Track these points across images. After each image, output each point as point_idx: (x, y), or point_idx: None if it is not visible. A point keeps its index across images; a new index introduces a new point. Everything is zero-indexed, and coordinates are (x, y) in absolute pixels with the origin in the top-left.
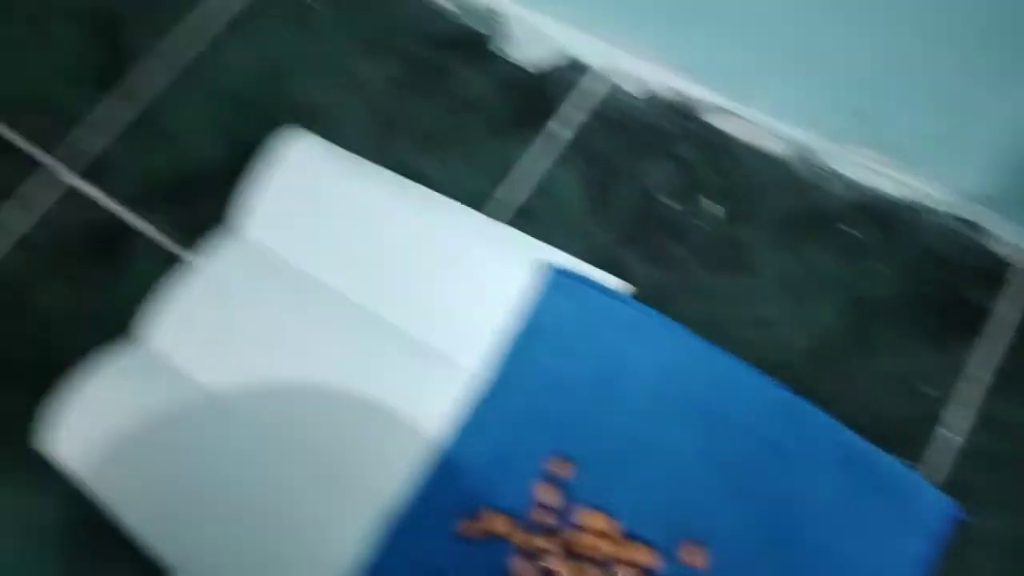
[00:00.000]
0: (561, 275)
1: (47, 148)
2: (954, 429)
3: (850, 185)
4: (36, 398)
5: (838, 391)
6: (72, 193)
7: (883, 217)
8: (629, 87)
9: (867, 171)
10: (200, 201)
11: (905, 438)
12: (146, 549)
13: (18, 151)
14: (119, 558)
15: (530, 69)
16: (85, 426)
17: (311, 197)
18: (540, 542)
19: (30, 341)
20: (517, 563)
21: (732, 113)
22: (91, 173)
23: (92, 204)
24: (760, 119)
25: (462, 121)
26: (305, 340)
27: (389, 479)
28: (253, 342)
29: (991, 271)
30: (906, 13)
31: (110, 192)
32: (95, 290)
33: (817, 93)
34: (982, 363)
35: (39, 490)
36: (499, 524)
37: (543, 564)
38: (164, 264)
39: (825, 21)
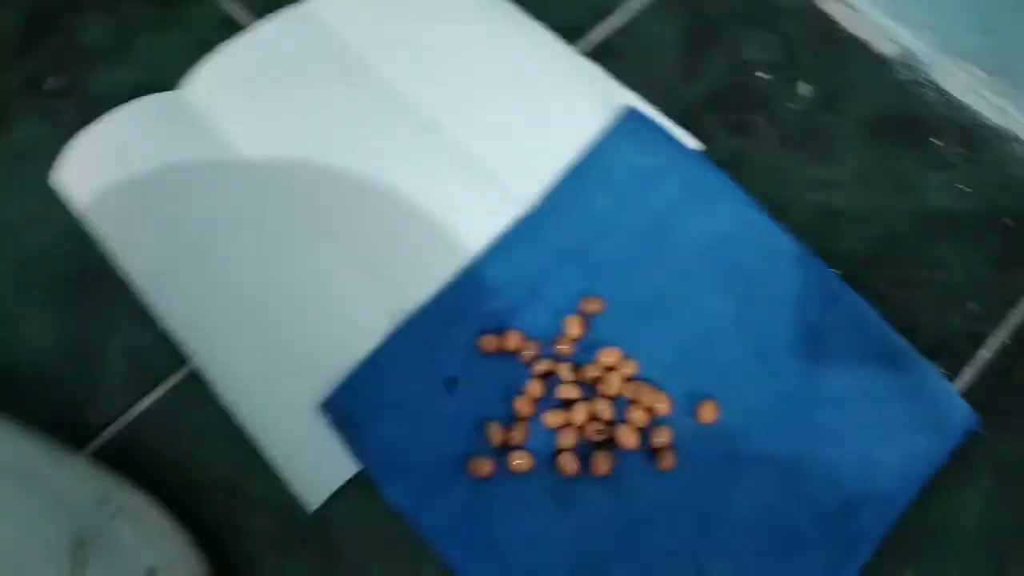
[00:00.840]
0: (633, 118)
1: None
2: (990, 349)
3: (950, 101)
4: (62, 133)
5: (889, 292)
6: None
7: (974, 139)
8: None
9: (971, 92)
10: None
11: (944, 349)
12: (144, 305)
13: None
14: (112, 314)
15: None
16: (103, 165)
17: None
18: (557, 368)
19: (62, 68)
20: (531, 385)
21: (848, 4)
22: None
23: None
24: (875, 15)
25: None
26: (356, 129)
27: (420, 282)
28: (301, 118)
29: None
30: None
31: None
32: (143, 34)
33: (948, 2)
34: None
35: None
36: (520, 344)
37: (557, 392)
38: (220, 23)
39: None
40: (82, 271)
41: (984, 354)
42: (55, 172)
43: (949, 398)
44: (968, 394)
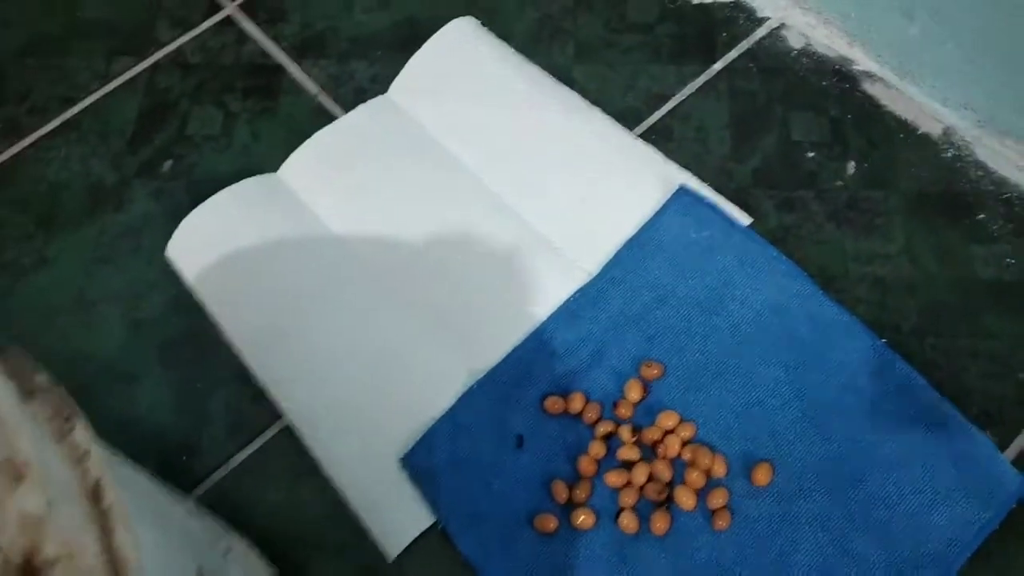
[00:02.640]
0: (687, 195)
1: None
2: None
3: (993, 176)
4: (173, 211)
5: (939, 361)
6: (239, 29)
7: (1019, 213)
8: (792, 39)
9: (1014, 167)
10: (358, 63)
11: (995, 418)
12: (244, 367)
13: None
14: (215, 374)
15: (696, 3)
16: (210, 240)
17: (468, 80)
18: (619, 430)
19: (172, 151)
20: (594, 446)
21: (891, 85)
22: (258, 13)
23: (255, 44)
24: (918, 96)
25: (623, 41)
26: (433, 205)
27: (492, 346)
28: (384, 197)
29: None
30: None
31: (273, 35)
32: (244, 122)
33: (991, 82)
34: None
35: (152, 290)
36: (583, 406)
37: (619, 453)
38: (313, 113)
39: (1016, 12)
40: (190, 335)
41: None
42: (168, 246)
43: (1000, 465)
44: (1019, 461)
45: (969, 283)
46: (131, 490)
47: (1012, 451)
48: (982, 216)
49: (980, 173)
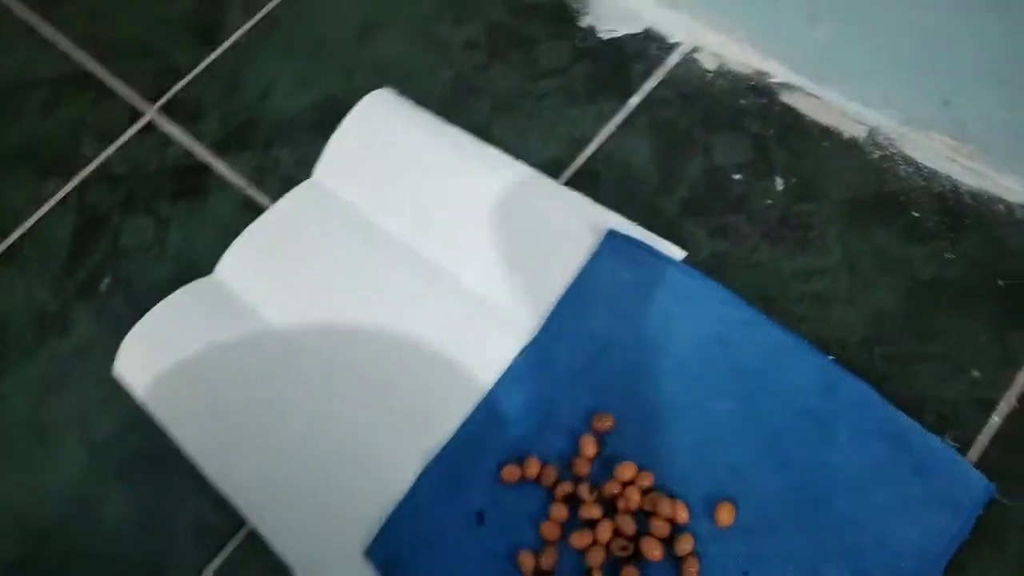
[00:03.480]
0: (618, 239)
1: (141, 89)
2: (1000, 414)
3: (923, 171)
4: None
5: (889, 371)
6: (161, 133)
7: (955, 206)
8: (706, 61)
9: (943, 159)
10: (281, 150)
11: (953, 420)
12: (204, 476)
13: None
14: (177, 487)
15: (607, 39)
16: (155, 354)
17: (390, 153)
18: (578, 491)
19: (109, 267)
20: (555, 509)
21: (809, 93)
22: (178, 114)
23: (179, 146)
24: (837, 100)
25: (539, 88)
26: (370, 285)
27: (441, 421)
28: (320, 284)
29: None
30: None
31: (195, 134)
32: (176, 226)
33: (902, 79)
34: None
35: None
36: (540, 471)
37: (580, 512)
38: (242, 207)
39: (927, 7)
40: (148, 450)
41: (995, 420)
42: (114, 365)
43: (964, 471)
44: (983, 462)
45: (910, 285)
46: None
47: (975, 451)
48: (916, 214)
49: (910, 170)
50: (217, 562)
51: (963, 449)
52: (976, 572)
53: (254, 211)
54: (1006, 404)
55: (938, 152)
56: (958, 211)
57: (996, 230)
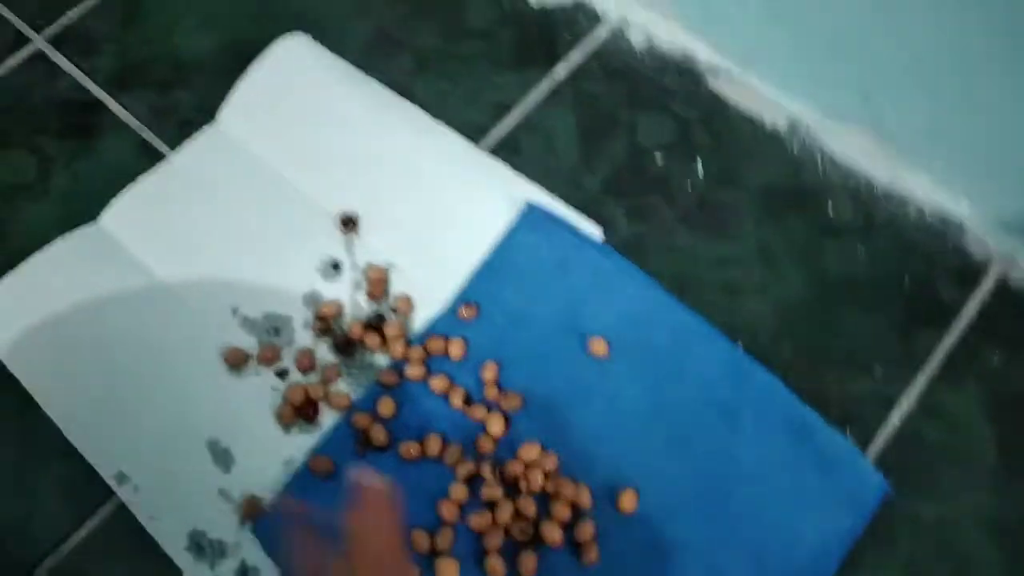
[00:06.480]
0: (536, 213)
1: (27, 15)
2: (898, 413)
3: (840, 166)
4: None
5: (796, 363)
6: (50, 64)
7: (868, 202)
8: (635, 37)
9: (860, 155)
10: (182, 92)
11: (853, 416)
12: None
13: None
14: (43, 448)
15: (536, 6)
16: (21, 313)
17: (300, 101)
18: (480, 468)
19: None
20: (455, 489)
21: (734, 79)
22: (70, 45)
23: (69, 79)
24: (761, 88)
25: (463, 49)
26: (267, 242)
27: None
28: (219, 238)
29: (965, 272)
30: (933, 4)
31: (88, 69)
32: (63, 167)
33: (826, 69)
34: (937, 356)
35: None
36: (443, 449)
37: (482, 492)
38: (137, 151)
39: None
40: (10, 411)
41: (895, 418)
42: None
43: (861, 467)
44: (881, 459)
45: (822, 279)
46: None
47: (874, 448)
48: (831, 209)
49: (827, 164)
50: (85, 530)
51: (862, 446)
52: (868, 569)
53: (149, 155)
54: (906, 403)
55: (856, 147)
56: (871, 209)
57: (906, 230)
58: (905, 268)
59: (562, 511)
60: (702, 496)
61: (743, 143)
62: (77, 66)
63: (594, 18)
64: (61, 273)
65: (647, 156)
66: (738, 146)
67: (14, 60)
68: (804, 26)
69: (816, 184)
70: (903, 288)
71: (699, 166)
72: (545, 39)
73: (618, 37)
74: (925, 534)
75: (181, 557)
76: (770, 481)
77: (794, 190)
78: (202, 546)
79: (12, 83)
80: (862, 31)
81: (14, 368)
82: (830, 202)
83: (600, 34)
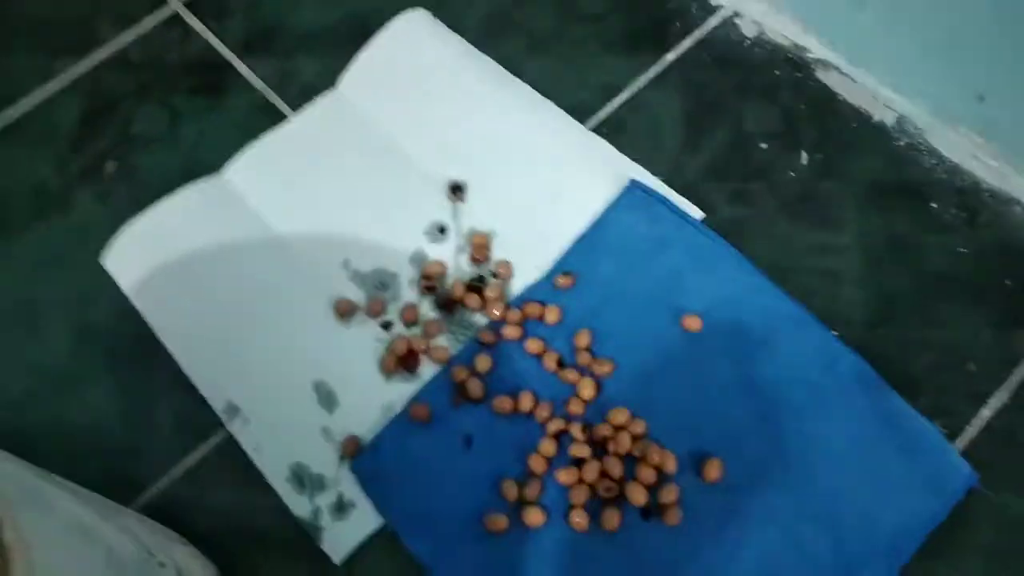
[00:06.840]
0: (638, 190)
1: None
2: (991, 408)
3: (946, 164)
4: (117, 214)
5: (890, 353)
6: (184, 26)
7: (973, 202)
8: (745, 27)
9: (967, 155)
10: (306, 59)
11: (945, 409)
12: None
13: None
14: (162, 380)
15: None
16: (149, 252)
17: (417, 72)
18: (570, 428)
19: (118, 155)
20: (544, 444)
21: (844, 73)
22: (203, 9)
23: (201, 41)
24: (871, 84)
25: (575, 32)
26: (379, 203)
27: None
28: (334, 198)
29: None
30: None
31: (218, 32)
32: (192, 122)
33: (941, 69)
34: None
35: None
36: (534, 405)
37: (570, 450)
38: (261, 111)
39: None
40: (137, 341)
41: (985, 413)
42: (104, 256)
43: (949, 457)
44: (969, 452)
45: (921, 273)
46: (47, 516)
47: (961, 441)
48: (935, 205)
49: (933, 162)
50: (195, 457)
51: (952, 437)
52: (948, 557)
53: (272, 115)
54: (998, 399)
55: (963, 147)
56: (975, 207)
57: (1010, 231)
58: (1007, 268)
59: (647, 474)
60: (785, 471)
61: (849, 136)
62: (209, 28)
63: (706, 7)
64: (185, 218)
65: (751, 143)
66: (843, 139)
67: (152, 20)
68: (922, 27)
69: (920, 180)
70: (1004, 287)
71: (803, 156)
72: (656, 25)
73: (728, 26)
74: (1010, 528)
75: (282, 487)
76: (854, 462)
77: (898, 185)
78: (302, 478)
79: (150, 42)
80: (981, 33)
81: (138, 303)
82: (934, 198)
83: (710, 23)
